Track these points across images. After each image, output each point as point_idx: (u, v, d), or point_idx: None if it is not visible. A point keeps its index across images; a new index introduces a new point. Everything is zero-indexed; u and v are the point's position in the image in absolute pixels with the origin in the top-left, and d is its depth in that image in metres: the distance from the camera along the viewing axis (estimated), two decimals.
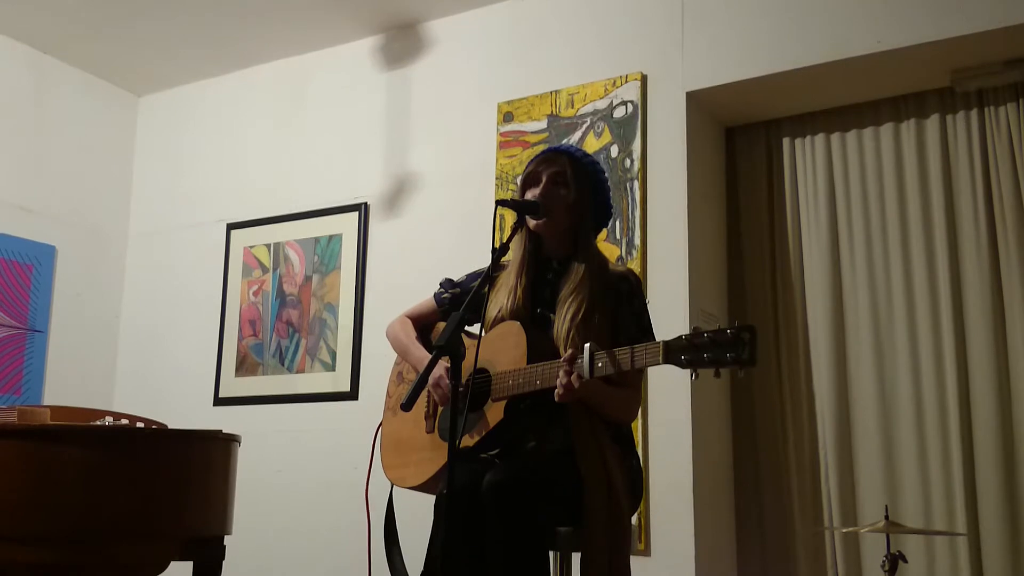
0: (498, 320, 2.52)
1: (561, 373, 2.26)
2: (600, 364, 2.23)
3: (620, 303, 2.47)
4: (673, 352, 2.14)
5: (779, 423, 3.84)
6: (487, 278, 2.38)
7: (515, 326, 2.46)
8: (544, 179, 2.52)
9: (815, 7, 3.62)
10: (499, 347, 2.46)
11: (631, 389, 2.47)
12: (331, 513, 4.17)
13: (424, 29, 4.51)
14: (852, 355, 3.74)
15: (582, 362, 2.25)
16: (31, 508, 2.57)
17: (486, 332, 2.54)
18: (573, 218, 2.52)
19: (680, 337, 2.15)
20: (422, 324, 2.77)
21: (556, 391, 2.27)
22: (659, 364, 2.17)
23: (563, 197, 2.50)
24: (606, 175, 2.64)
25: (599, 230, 2.64)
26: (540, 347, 2.40)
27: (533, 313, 2.51)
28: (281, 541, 4.33)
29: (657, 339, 2.38)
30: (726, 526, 3.76)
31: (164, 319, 5.01)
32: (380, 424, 2.79)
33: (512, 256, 2.61)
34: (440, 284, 2.77)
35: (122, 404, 4.81)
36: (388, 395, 2.83)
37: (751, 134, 4.11)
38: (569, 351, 2.28)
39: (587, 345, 2.25)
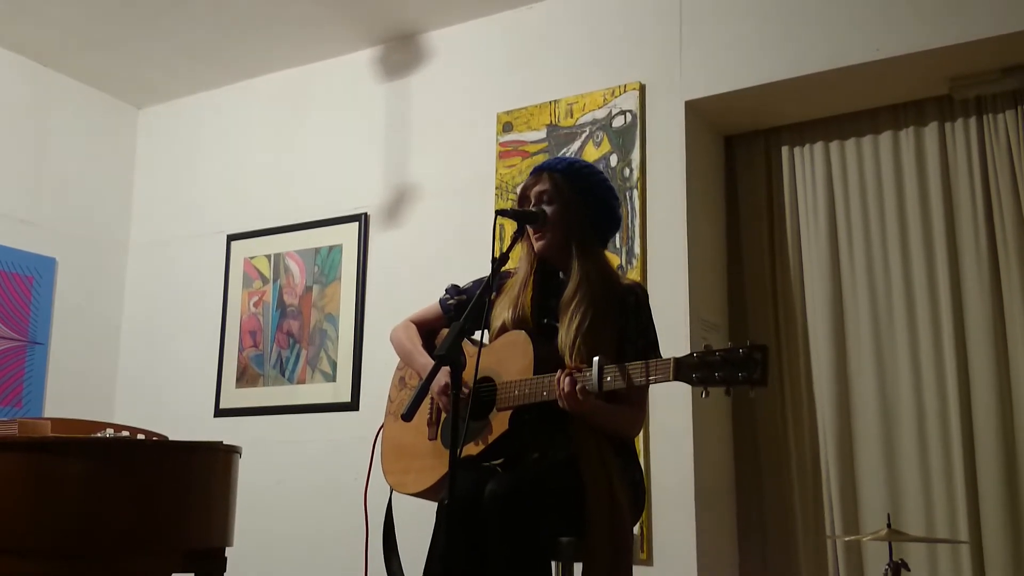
0: (503, 329, 2.51)
1: (565, 380, 2.25)
2: (609, 378, 2.21)
3: (627, 316, 2.46)
4: (684, 369, 2.12)
5: (780, 432, 3.83)
6: (487, 287, 2.38)
7: (521, 336, 2.46)
8: (532, 200, 2.54)
9: (813, 16, 3.63)
10: (505, 356, 2.46)
11: (635, 407, 2.45)
12: (332, 524, 4.16)
13: (423, 40, 4.53)
14: (853, 363, 3.74)
15: (591, 375, 2.23)
16: (32, 521, 2.57)
17: (491, 341, 2.54)
18: (568, 231, 2.51)
19: (691, 354, 2.12)
20: (426, 330, 2.76)
21: (558, 397, 2.27)
22: (669, 380, 2.16)
23: (552, 214, 2.50)
24: (601, 177, 2.60)
25: (603, 238, 2.61)
26: (547, 358, 2.39)
27: (539, 323, 2.51)
28: (282, 552, 4.32)
29: (662, 352, 2.37)
30: (728, 535, 3.76)
31: (165, 330, 5.01)
32: (381, 427, 2.79)
33: (517, 265, 2.61)
34: (446, 290, 2.76)
35: (123, 416, 4.80)
36: (390, 399, 2.82)
37: (750, 143, 4.12)
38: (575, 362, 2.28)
39: (596, 359, 2.23)
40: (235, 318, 4.78)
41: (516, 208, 2.57)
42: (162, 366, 4.96)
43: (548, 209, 2.51)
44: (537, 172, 2.57)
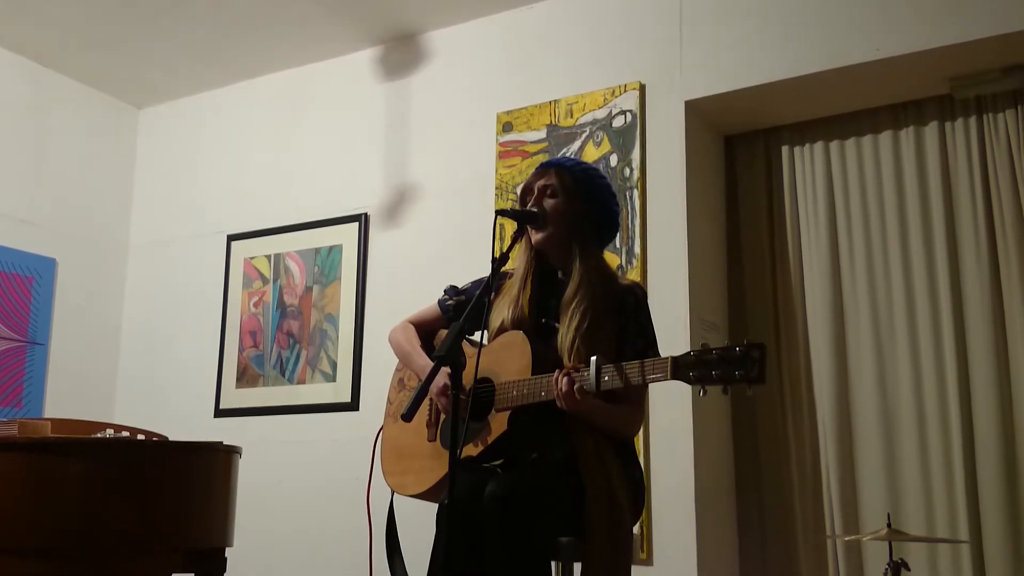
0: (502, 330, 2.51)
1: (563, 380, 2.26)
2: (607, 378, 2.22)
3: (626, 317, 2.47)
4: (681, 368, 2.13)
5: (781, 431, 3.83)
6: (487, 287, 2.39)
7: (519, 336, 2.46)
8: (536, 192, 2.55)
9: (814, 16, 3.63)
10: (503, 357, 2.46)
11: (634, 406, 2.46)
12: (332, 524, 4.16)
13: (423, 40, 4.53)
14: (853, 362, 3.74)
15: (588, 375, 2.23)
16: (32, 521, 2.57)
17: (489, 341, 2.54)
18: (568, 228, 2.52)
19: (688, 353, 2.13)
20: (425, 330, 2.76)
21: (556, 397, 2.27)
22: (667, 380, 2.16)
23: (553, 207, 2.51)
24: (606, 182, 2.62)
25: (602, 241, 2.62)
26: (545, 358, 2.39)
27: (538, 323, 2.51)
28: (282, 552, 4.32)
29: (661, 352, 2.37)
30: (728, 535, 3.76)
31: (165, 331, 5.01)
32: (381, 429, 2.79)
33: (516, 265, 2.61)
34: (444, 291, 2.77)
35: (123, 416, 4.80)
36: (389, 401, 2.83)
37: (750, 142, 4.11)
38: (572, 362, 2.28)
39: (594, 358, 2.24)
40: (235, 318, 4.78)
41: (516, 208, 2.58)
42: (162, 366, 4.96)
43: (550, 203, 2.52)
44: (544, 167, 2.59)
